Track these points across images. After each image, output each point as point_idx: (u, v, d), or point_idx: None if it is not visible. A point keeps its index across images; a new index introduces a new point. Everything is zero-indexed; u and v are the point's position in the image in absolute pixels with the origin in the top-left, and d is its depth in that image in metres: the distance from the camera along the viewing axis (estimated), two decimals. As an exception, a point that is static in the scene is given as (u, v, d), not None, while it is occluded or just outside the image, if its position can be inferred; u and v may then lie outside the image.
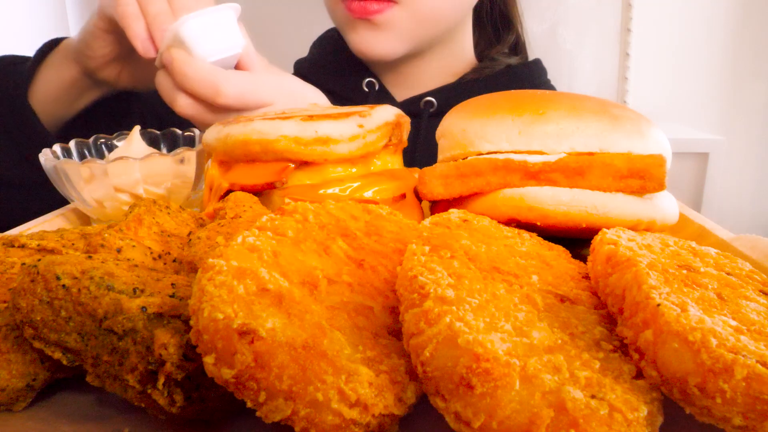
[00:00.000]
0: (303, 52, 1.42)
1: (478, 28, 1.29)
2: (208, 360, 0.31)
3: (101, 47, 0.91)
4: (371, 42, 1.11)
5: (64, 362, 0.38)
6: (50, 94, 1.00)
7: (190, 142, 0.88)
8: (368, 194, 0.62)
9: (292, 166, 0.61)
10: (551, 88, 1.28)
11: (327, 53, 1.32)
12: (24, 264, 0.47)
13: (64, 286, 0.37)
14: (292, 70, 1.36)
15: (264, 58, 0.93)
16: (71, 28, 2.87)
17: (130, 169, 0.73)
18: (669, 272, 0.38)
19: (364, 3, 1.07)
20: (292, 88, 0.89)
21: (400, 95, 1.22)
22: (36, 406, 0.41)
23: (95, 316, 0.36)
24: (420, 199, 0.66)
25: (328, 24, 1.28)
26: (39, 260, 0.39)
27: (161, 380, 0.34)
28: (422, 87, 1.22)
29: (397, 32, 1.10)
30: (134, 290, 0.37)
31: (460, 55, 1.25)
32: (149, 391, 0.35)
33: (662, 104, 2.21)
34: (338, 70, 1.26)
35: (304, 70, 1.34)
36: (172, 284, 0.39)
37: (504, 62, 1.24)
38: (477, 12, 1.27)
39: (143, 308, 0.36)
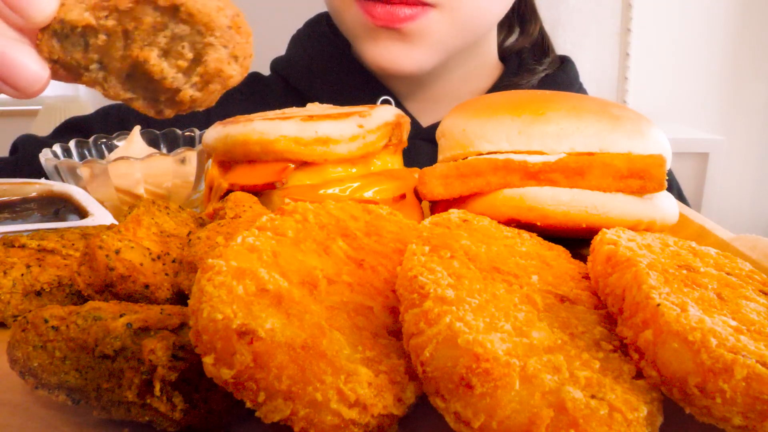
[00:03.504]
0: (279, 45, 1.18)
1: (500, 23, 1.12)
2: (208, 360, 0.31)
3: None
4: (397, 56, 0.89)
5: (70, 403, 0.38)
6: None
7: (191, 142, 0.88)
8: (368, 194, 0.62)
9: (292, 166, 0.61)
10: (584, 92, 1.15)
11: (320, 55, 1.09)
12: (16, 317, 0.49)
13: (53, 327, 0.38)
14: (267, 70, 1.18)
15: None
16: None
17: (131, 169, 0.73)
18: (669, 272, 0.38)
19: (392, 8, 0.84)
20: None
21: (423, 114, 1.04)
22: (37, 408, 0.41)
23: (87, 347, 0.37)
24: (420, 199, 0.66)
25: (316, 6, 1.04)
26: (29, 311, 0.40)
27: (157, 386, 0.34)
28: (444, 100, 1.06)
29: (431, 43, 0.89)
30: (120, 315, 0.38)
31: (486, 57, 1.09)
32: (149, 401, 0.35)
33: (662, 104, 2.21)
34: (340, 80, 1.06)
35: (288, 73, 1.12)
36: (161, 310, 0.40)
37: (539, 71, 1.08)
38: None
39: (128, 324, 0.37)
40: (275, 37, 1.26)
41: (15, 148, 1.08)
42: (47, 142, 1.05)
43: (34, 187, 0.71)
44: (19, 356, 0.38)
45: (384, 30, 0.87)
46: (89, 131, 1.07)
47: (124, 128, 1.08)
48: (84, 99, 2.92)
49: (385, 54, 0.89)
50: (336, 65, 1.07)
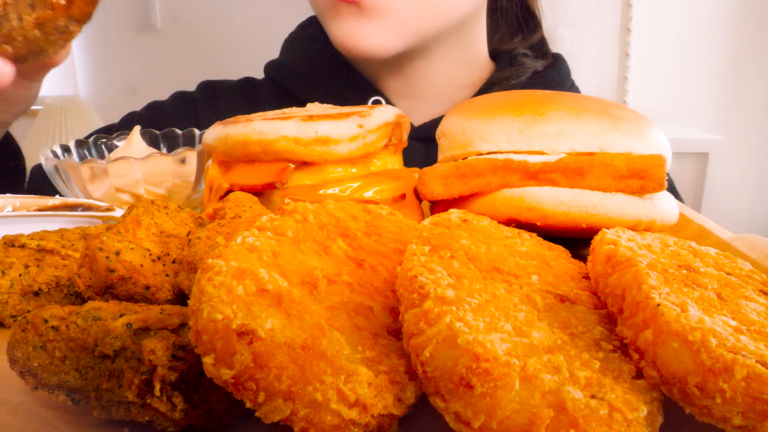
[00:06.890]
0: (273, 48, 1.21)
1: (494, 21, 1.13)
2: (207, 360, 0.31)
3: None
4: (358, 33, 0.90)
5: (69, 403, 0.38)
6: None
7: (191, 142, 0.88)
8: (368, 194, 0.62)
9: (292, 166, 0.61)
10: (577, 90, 1.16)
11: (311, 57, 1.11)
12: (14, 317, 0.49)
13: (53, 327, 0.38)
14: (261, 74, 1.20)
15: None
16: (71, 28, 2.86)
17: (130, 169, 0.73)
18: (669, 272, 0.38)
19: None
20: None
21: (413, 113, 1.04)
22: (37, 408, 0.41)
23: (87, 347, 0.37)
24: (420, 199, 0.66)
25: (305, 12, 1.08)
26: (28, 311, 0.41)
27: (157, 386, 0.34)
28: (433, 98, 1.08)
29: (393, 20, 0.90)
30: (120, 315, 0.38)
31: (474, 54, 1.09)
32: (149, 400, 0.35)
33: (662, 104, 2.22)
34: (331, 81, 1.08)
35: (281, 77, 1.14)
36: (161, 310, 0.40)
37: (530, 67, 1.09)
38: (493, 3, 1.10)
39: (128, 324, 0.37)
40: (270, 41, 1.27)
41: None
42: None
43: (50, 200, 0.71)
44: (18, 356, 0.38)
45: (345, 5, 0.89)
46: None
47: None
48: (84, 99, 2.92)
49: (347, 33, 0.90)
50: (326, 67, 1.09)
